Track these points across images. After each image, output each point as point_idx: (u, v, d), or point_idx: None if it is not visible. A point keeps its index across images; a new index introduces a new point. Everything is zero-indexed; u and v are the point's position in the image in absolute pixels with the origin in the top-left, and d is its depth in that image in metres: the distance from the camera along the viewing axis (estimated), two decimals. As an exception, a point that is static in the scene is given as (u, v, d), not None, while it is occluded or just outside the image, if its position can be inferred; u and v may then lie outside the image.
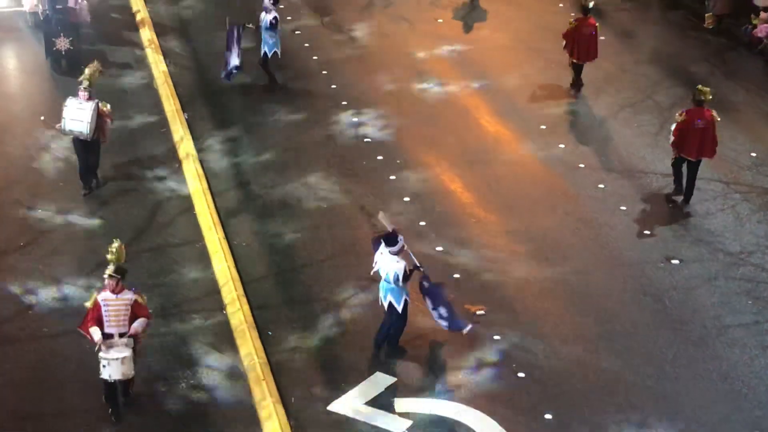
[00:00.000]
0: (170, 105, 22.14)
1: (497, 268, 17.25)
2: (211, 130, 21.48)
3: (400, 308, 14.84)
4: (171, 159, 20.26)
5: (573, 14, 24.04)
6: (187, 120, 21.61)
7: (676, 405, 14.39)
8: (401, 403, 14.31)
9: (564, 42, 22.87)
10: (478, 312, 16.09)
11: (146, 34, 25.65)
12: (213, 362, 15.00)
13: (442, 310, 14.90)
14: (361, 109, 22.41)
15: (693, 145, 18.79)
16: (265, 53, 22.62)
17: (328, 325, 15.81)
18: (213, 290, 16.53)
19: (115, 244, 13.83)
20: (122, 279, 13.53)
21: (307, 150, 20.74)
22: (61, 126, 18.14)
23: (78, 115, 17.90)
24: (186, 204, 18.78)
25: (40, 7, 24.19)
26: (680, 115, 18.84)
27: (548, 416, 14.12)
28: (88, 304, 13.60)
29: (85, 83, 18.11)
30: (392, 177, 19.78)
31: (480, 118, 22.21)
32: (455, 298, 16.24)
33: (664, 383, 14.79)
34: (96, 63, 18.87)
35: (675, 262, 17.53)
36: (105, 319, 13.46)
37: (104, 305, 13.46)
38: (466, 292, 16.51)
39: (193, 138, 20.93)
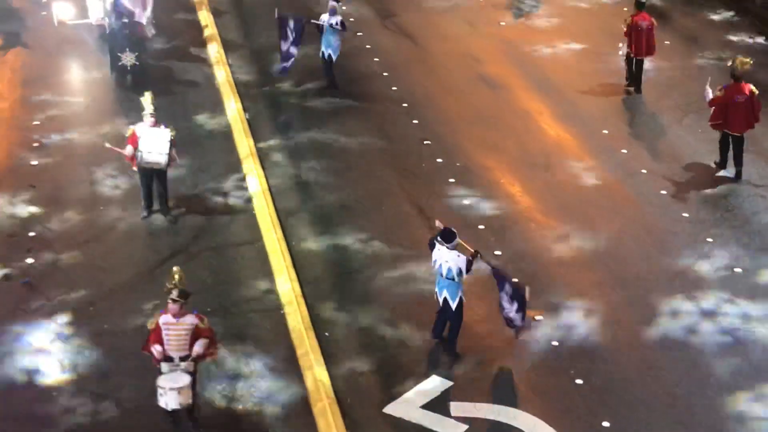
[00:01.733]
0: (231, 106, 22.29)
1: (556, 273, 17.13)
2: (273, 131, 21.57)
3: (454, 305, 14.88)
4: (231, 158, 20.38)
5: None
6: (248, 120, 21.73)
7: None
8: (457, 407, 14.25)
9: (626, 40, 23.11)
10: (536, 317, 15.99)
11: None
12: (270, 361, 15.05)
13: (511, 303, 14.85)
14: (421, 111, 22.38)
15: (737, 120, 19.70)
16: (329, 55, 22.68)
17: (386, 327, 15.79)
18: (271, 290, 16.59)
19: (176, 270, 13.59)
20: (185, 303, 13.38)
21: (367, 152, 20.75)
22: (138, 157, 17.55)
23: (155, 146, 17.45)
24: (246, 204, 18.87)
25: (107, 20, 23.56)
26: (720, 90, 19.64)
27: (606, 424, 13.97)
28: (150, 326, 13.43)
29: (150, 108, 17.62)
30: (451, 180, 19.73)
31: (541, 122, 22.08)
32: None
33: (725, 394, 14.58)
34: (149, 93, 17.99)
35: (738, 270, 17.27)
36: (166, 342, 13.27)
37: (165, 329, 13.28)
38: (524, 297, 16.43)
39: (254, 138, 21.04)
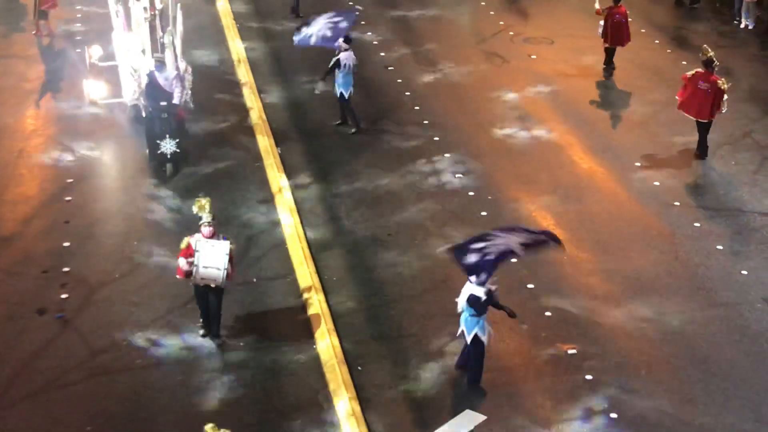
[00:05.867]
0: (264, 141, 22.36)
1: (590, 307, 17.04)
2: (304, 164, 21.62)
3: (486, 340, 14.84)
4: (263, 194, 20.44)
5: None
6: (280, 155, 21.79)
7: (775, 450, 14.05)
8: (491, 442, 14.21)
9: (600, 29, 25.55)
10: (570, 351, 15.91)
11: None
12: (302, 396, 15.03)
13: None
14: (454, 144, 22.40)
15: (693, 105, 21.28)
16: (341, 93, 22.56)
17: (418, 361, 15.75)
18: (303, 324, 16.59)
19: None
20: None
21: (399, 185, 20.77)
22: (192, 274, 15.64)
23: (212, 260, 15.50)
24: (278, 238, 18.91)
25: (142, 101, 21.64)
26: (690, 74, 21.39)
27: (641, 459, 13.88)
28: None
29: (207, 217, 15.61)
30: (484, 213, 19.71)
31: (573, 155, 22.04)
32: (547, 336, 16.13)
33: (763, 428, 14.42)
34: (203, 197, 15.95)
35: (774, 303, 17.18)
36: None
37: None
38: (557, 331, 16.35)
39: (286, 172, 21.10)
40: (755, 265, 18.17)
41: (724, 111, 21.47)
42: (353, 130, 22.90)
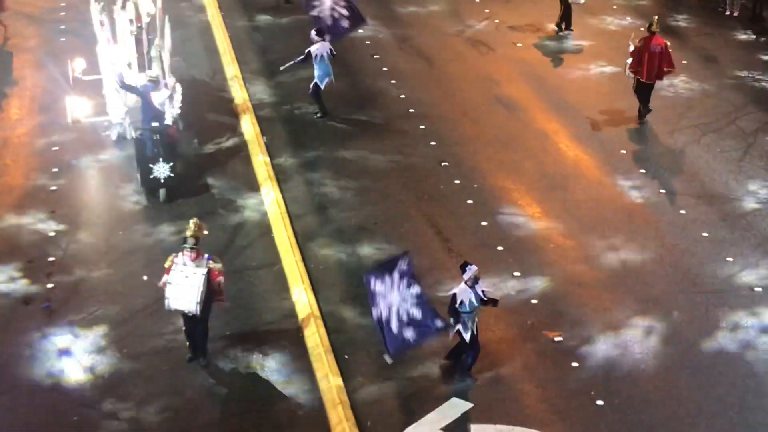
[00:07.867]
0: (251, 130, 22.32)
1: (575, 294, 17.08)
2: (290, 154, 21.58)
3: (468, 337, 14.80)
4: (250, 183, 20.41)
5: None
6: (266, 144, 21.75)
7: (760, 436, 14.12)
8: (478, 429, 14.20)
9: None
10: (556, 338, 15.95)
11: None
12: (289, 385, 15.04)
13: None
14: (439, 132, 22.39)
15: (650, 69, 22.39)
16: (315, 83, 22.51)
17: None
18: (290, 313, 16.59)
19: None
20: None
21: (385, 174, 20.76)
22: (165, 302, 14.87)
23: (185, 292, 14.67)
24: (264, 227, 18.89)
25: (128, 119, 20.81)
26: (639, 41, 22.44)
27: (627, 445, 13.93)
28: None
29: (191, 241, 14.85)
30: (470, 201, 19.72)
31: (559, 143, 22.07)
32: (533, 324, 16.16)
33: (746, 413, 14.50)
34: (196, 221, 15.23)
35: (758, 289, 17.21)
36: None
37: None
38: (543, 318, 16.39)
39: (272, 162, 21.06)
40: (740, 252, 18.23)
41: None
42: (318, 114, 22.91)
